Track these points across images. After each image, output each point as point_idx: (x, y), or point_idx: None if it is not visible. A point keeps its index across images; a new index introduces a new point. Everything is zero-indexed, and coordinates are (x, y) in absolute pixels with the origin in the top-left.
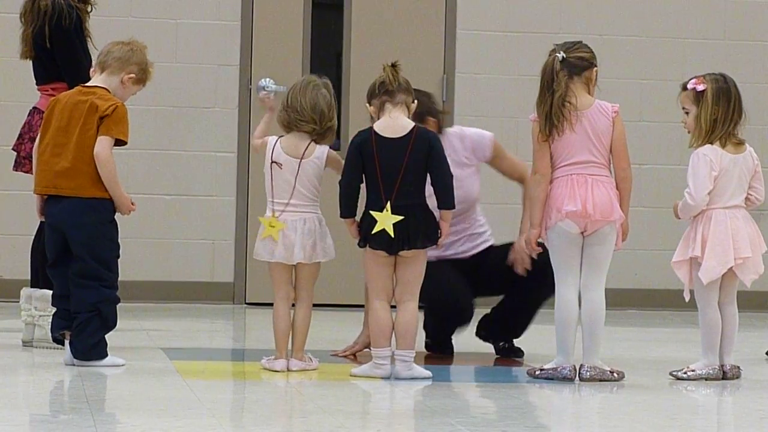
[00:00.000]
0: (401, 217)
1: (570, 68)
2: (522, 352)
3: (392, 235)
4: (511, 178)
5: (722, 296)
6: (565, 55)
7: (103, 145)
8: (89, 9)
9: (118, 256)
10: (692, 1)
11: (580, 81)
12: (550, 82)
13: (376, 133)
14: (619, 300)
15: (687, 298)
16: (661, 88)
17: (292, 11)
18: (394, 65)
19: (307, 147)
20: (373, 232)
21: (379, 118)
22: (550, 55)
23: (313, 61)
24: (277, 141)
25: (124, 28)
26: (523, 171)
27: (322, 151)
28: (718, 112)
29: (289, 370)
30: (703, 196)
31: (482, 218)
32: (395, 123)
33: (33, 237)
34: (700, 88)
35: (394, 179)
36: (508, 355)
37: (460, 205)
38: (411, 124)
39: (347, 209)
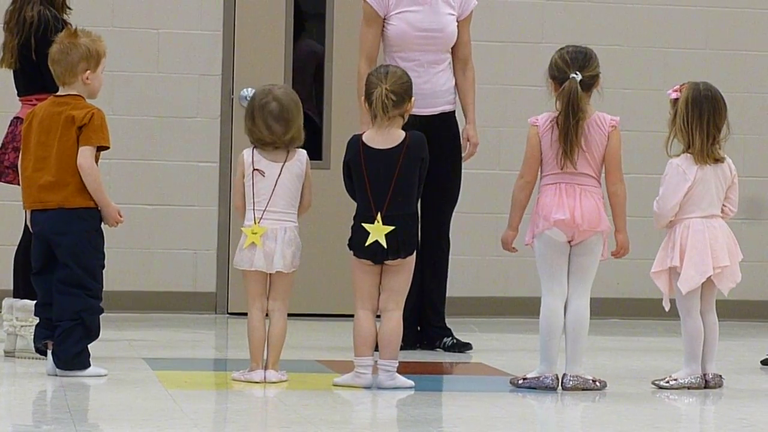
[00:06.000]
0: (393, 228)
1: (583, 87)
2: (470, 345)
3: (385, 246)
4: (453, 55)
5: (701, 305)
6: (582, 77)
7: (85, 155)
8: (65, 13)
9: (103, 266)
10: (674, 11)
11: (588, 94)
12: (575, 106)
13: (364, 144)
14: (601, 309)
15: (667, 308)
16: (642, 97)
17: (274, 20)
18: (390, 92)
19: (288, 152)
20: (366, 244)
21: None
22: (559, 73)
23: (295, 71)
24: (253, 150)
25: (106, 37)
26: (467, 57)
27: (302, 153)
28: (691, 120)
29: (266, 381)
30: (670, 206)
31: (452, 79)
32: (386, 134)
33: (16, 247)
34: (673, 96)
35: (384, 191)
36: (459, 349)
37: (444, 44)
38: (402, 134)
39: None
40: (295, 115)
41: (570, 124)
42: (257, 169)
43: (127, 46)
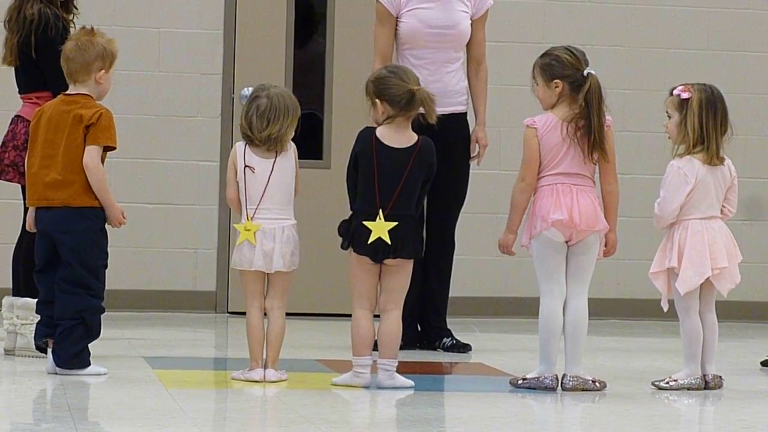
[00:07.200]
0: (395, 223)
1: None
2: (469, 346)
3: (389, 243)
4: (468, 54)
5: (700, 305)
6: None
7: (91, 154)
8: (72, 17)
9: (106, 266)
10: (676, 11)
11: None
12: (602, 101)
13: (378, 141)
14: (601, 309)
15: (665, 309)
16: (644, 97)
17: (274, 19)
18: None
19: (278, 150)
20: (369, 241)
21: (378, 118)
22: (575, 71)
23: (296, 70)
24: (245, 146)
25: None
26: (481, 58)
27: (290, 145)
28: (706, 121)
29: (265, 380)
30: (671, 209)
31: (464, 80)
32: (401, 133)
33: (15, 245)
34: (685, 95)
35: (392, 189)
36: (458, 350)
37: (457, 41)
38: (415, 137)
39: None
40: (281, 116)
41: (603, 119)
42: (248, 166)
43: (127, 44)
